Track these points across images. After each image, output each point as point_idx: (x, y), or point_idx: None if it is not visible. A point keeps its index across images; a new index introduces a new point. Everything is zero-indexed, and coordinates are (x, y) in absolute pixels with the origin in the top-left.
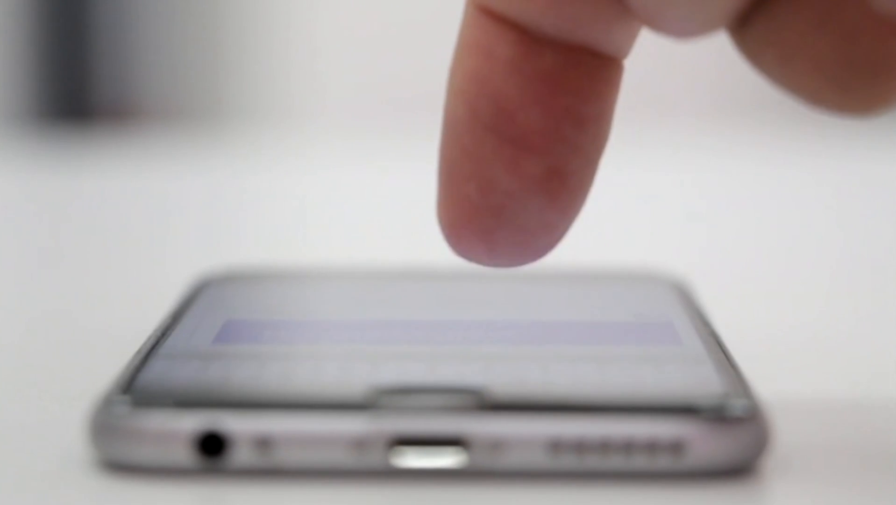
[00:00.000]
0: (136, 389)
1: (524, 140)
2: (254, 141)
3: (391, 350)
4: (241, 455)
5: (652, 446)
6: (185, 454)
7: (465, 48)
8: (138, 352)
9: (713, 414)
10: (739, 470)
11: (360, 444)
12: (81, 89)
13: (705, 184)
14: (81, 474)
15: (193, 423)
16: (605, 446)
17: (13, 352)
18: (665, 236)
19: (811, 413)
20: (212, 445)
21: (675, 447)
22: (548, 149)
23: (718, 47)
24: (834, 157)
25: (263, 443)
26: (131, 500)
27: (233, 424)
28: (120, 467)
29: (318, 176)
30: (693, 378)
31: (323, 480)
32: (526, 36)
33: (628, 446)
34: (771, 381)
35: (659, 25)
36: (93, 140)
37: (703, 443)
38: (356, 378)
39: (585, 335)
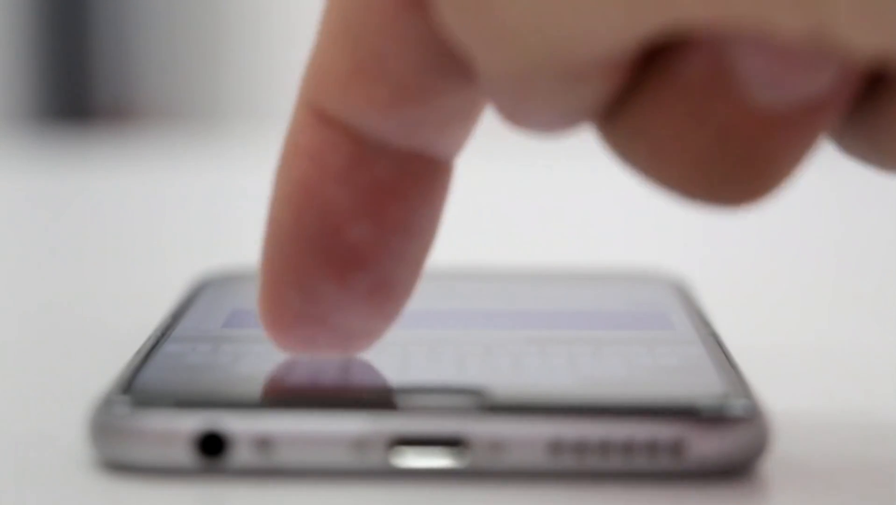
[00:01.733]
0: (136, 389)
1: (351, 255)
2: (253, 141)
3: (390, 345)
4: (241, 455)
5: (652, 447)
6: (185, 454)
7: (294, 152)
8: (138, 352)
9: (713, 414)
10: (739, 470)
11: (360, 444)
12: (81, 89)
13: None
14: (81, 474)
15: (193, 423)
16: (605, 447)
17: (13, 351)
18: (665, 236)
19: (811, 413)
20: (212, 445)
21: (675, 447)
22: (375, 262)
23: None
24: (834, 157)
25: (263, 443)
26: (131, 500)
27: (233, 424)
28: (120, 467)
29: None
30: (693, 378)
31: (323, 480)
32: (359, 144)
33: (628, 447)
34: (771, 381)
35: (517, 121)
36: (93, 140)
37: (703, 443)
38: (356, 378)
39: (585, 334)
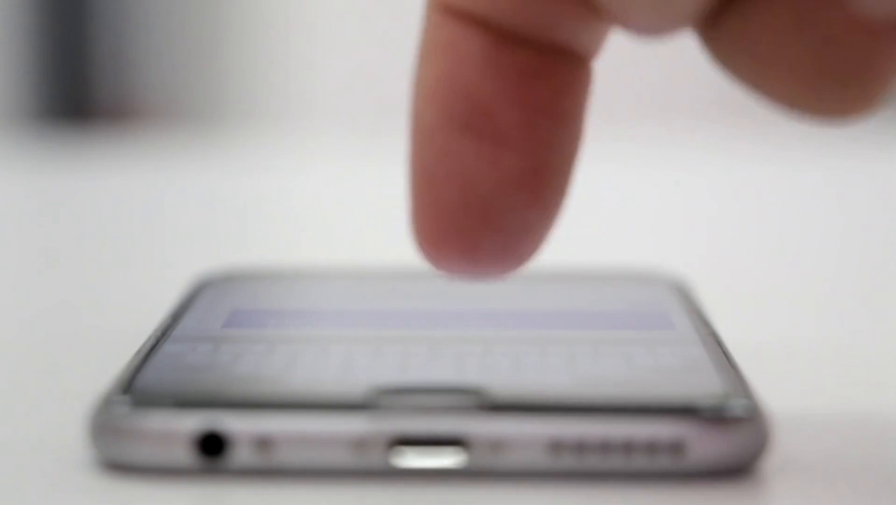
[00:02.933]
0: (136, 389)
1: (502, 137)
2: (253, 141)
3: (391, 344)
4: (241, 455)
5: (652, 446)
6: (185, 454)
7: (432, 50)
8: (138, 352)
9: (713, 414)
10: (739, 470)
11: (360, 444)
12: (81, 89)
13: (705, 184)
14: (81, 474)
15: (193, 423)
16: (605, 446)
17: (13, 352)
18: (665, 236)
19: (811, 413)
20: (212, 445)
21: (675, 447)
22: (527, 146)
23: None
24: (835, 157)
25: (263, 443)
26: (131, 500)
27: (233, 424)
28: (120, 467)
29: (318, 176)
30: (693, 378)
31: (323, 480)
32: (495, 34)
33: (628, 446)
34: (771, 381)
35: (624, 23)
36: (93, 140)
37: (703, 443)
38: (356, 378)
39: (585, 334)
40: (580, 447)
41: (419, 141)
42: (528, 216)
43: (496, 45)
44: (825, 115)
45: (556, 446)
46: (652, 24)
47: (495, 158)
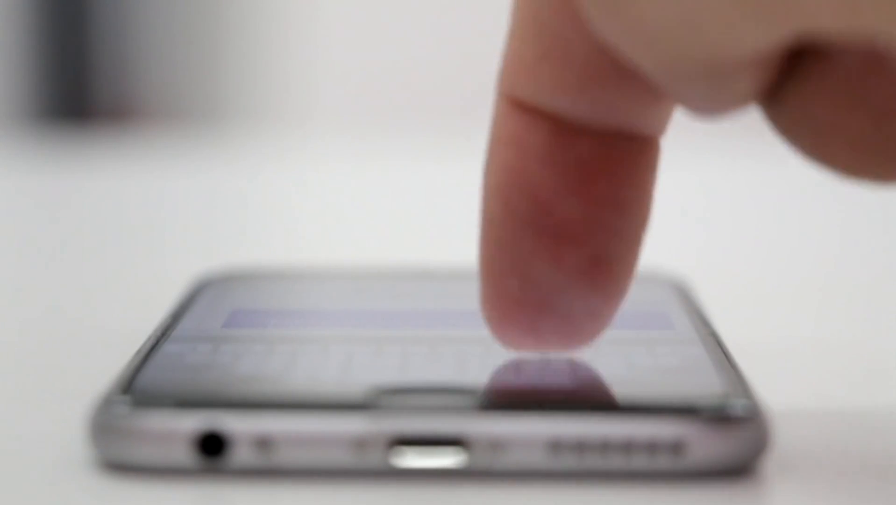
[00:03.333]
0: (136, 389)
1: (564, 232)
2: (253, 141)
3: (391, 344)
4: (241, 455)
5: (652, 446)
6: (185, 454)
7: (497, 142)
8: (138, 352)
9: (713, 414)
10: (739, 470)
11: (360, 444)
12: (81, 89)
13: (705, 184)
14: (81, 474)
15: (193, 423)
16: (605, 446)
17: (13, 351)
18: (665, 236)
19: (811, 413)
20: (212, 445)
21: (675, 447)
22: (588, 238)
23: None
24: None
25: (263, 443)
26: (131, 500)
27: (233, 424)
28: (120, 467)
29: (318, 175)
30: (693, 378)
31: (323, 480)
32: (559, 125)
33: (628, 446)
34: (771, 381)
35: (686, 105)
36: (93, 140)
37: (703, 443)
38: (356, 378)
39: None
40: (580, 447)
41: (484, 230)
42: (590, 303)
43: (559, 136)
44: (883, 183)
45: (556, 446)
46: (712, 106)
47: (557, 253)
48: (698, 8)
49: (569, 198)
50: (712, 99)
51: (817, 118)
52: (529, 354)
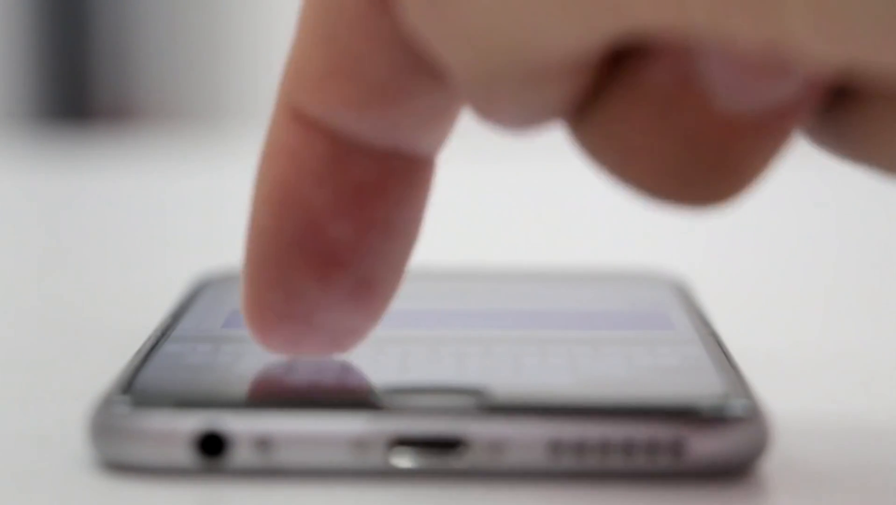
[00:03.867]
0: (136, 389)
1: (332, 253)
2: (253, 141)
3: (391, 344)
4: (241, 455)
5: (652, 447)
6: (185, 454)
7: (273, 153)
8: (138, 352)
9: (713, 414)
10: (739, 470)
11: (360, 444)
12: (81, 89)
13: None
14: (81, 474)
15: (193, 423)
16: (605, 447)
17: (13, 351)
18: (665, 236)
19: (811, 414)
20: (212, 445)
21: (675, 447)
22: (357, 261)
23: None
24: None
25: (263, 443)
26: (131, 500)
27: (233, 424)
28: (120, 467)
29: None
30: (693, 378)
31: (323, 480)
32: (337, 144)
33: (628, 447)
34: (771, 381)
35: (490, 118)
36: (93, 140)
37: (703, 443)
38: (356, 378)
39: (585, 334)
40: (580, 448)
41: (251, 239)
42: (352, 322)
43: (336, 155)
44: (688, 205)
45: (556, 447)
46: (516, 119)
47: (322, 274)
48: (518, 2)
49: (341, 219)
50: (519, 106)
51: (624, 137)
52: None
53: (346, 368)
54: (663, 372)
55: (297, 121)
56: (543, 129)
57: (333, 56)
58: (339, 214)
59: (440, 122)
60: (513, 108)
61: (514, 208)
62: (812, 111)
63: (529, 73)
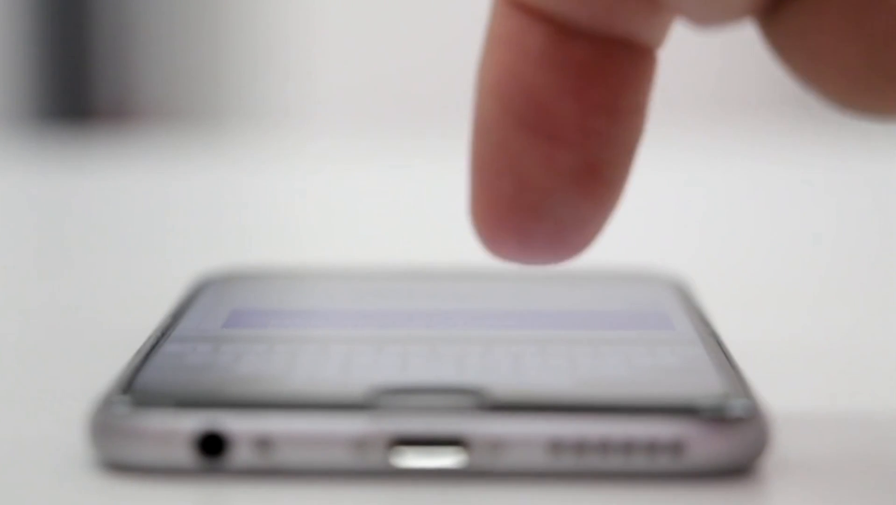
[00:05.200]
0: (136, 389)
1: (559, 134)
2: (253, 141)
3: (391, 344)
4: (241, 455)
5: (652, 446)
6: (185, 454)
7: (495, 41)
8: (138, 352)
9: (713, 414)
10: (739, 470)
11: (360, 444)
12: (81, 89)
13: (705, 184)
14: (81, 474)
15: (193, 423)
16: (604, 446)
17: (13, 351)
18: (665, 236)
19: (811, 413)
20: (212, 445)
21: (675, 447)
22: (583, 142)
23: (719, 46)
24: (835, 157)
25: (263, 443)
26: (131, 500)
27: (233, 424)
28: (120, 467)
29: (318, 176)
30: (693, 378)
31: (323, 480)
32: (558, 28)
33: (628, 446)
34: (771, 381)
35: (683, 12)
36: (93, 140)
37: (703, 443)
38: (356, 378)
39: (585, 334)
40: (580, 447)
41: (477, 130)
42: (582, 210)
43: (557, 38)
44: (877, 114)
45: (556, 446)
46: (710, 15)
47: (550, 155)
48: None
49: (565, 101)
50: (709, 7)
51: (813, 42)
52: (522, 266)
53: (347, 368)
54: (663, 372)
55: (516, 7)
56: (738, 24)
57: None
58: (563, 95)
59: (656, 15)
60: (699, 7)
61: None
62: None
63: None
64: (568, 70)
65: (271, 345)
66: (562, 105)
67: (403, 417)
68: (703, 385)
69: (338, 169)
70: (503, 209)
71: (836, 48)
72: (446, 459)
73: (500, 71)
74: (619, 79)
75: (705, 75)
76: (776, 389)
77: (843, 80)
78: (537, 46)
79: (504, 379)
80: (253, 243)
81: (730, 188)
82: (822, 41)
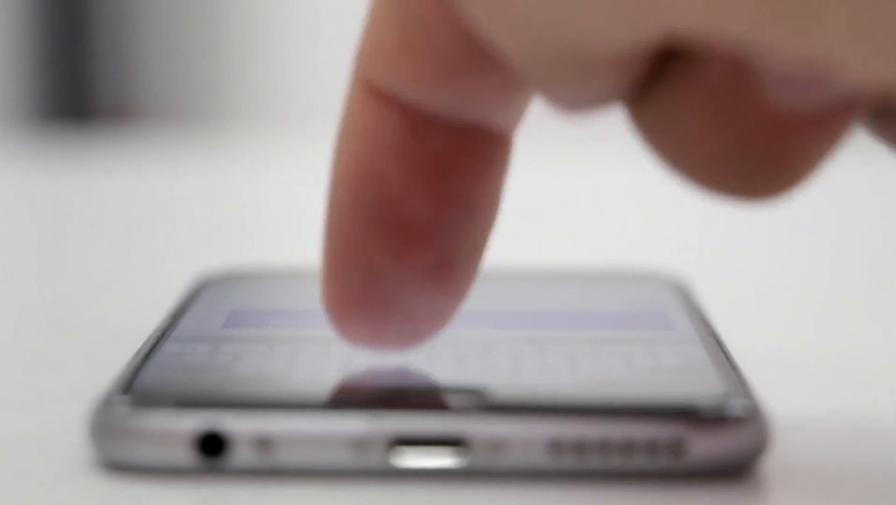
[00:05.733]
0: (136, 389)
1: (411, 230)
2: (253, 141)
3: None
4: (241, 455)
5: (652, 446)
6: (185, 454)
7: (349, 129)
8: (138, 352)
9: (713, 414)
10: (739, 470)
11: (360, 444)
12: (81, 89)
13: None
14: (81, 474)
15: (193, 423)
16: (604, 446)
17: (13, 351)
18: (665, 236)
19: (811, 414)
20: (212, 445)
21: (675, 447)
22: (436, 238)
23: None
24: (835, 156)
25: (263, 443)
26: (131, 500)
27: (233, 424)
28: (120, 467)
29: (318, 176)
30: (693, 378)
31: (323, 480)
32: (413, 117)
33: (628, 446)
34: (771, 381)
35: (549, 99)
36: (93, 140)
37: (703, 443)
38: (356, 378)
39: (585, 334)
40: (580, 447)
41: (330, 221)
42: (433, 304)
43: (412, 129)
44: (742, 198)
45: (556, 446)
46: (575, 101)
47: (402, 252)
48: (564, 1)
49: (419, 195)
50: (575, 93)
51: (679, 127)
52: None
53: (347, 368)
54: (663, 372)
55: (373, 95)
56: (603, 111)
57: (405, 30)
58: (417, 190)
59: (514, 99)
60: (569, 93)
61: (514, 208)
62: (869, 108)
63: (580, 65)
64: (424, 163)
65: (271, 345)
66: (416, 200)
67: (403, 417)
68: (703, 385)
69: None
70: (353, 300)
71: (702, 133)
72: (446, 459)
73: (353, 162)
74: (475, 169)
75: None
76: (776, 390)
77: (711, 163)
78: (393, 138)
79: (504, 379)
80: (253, 243)
81: None
82: (689, 124)
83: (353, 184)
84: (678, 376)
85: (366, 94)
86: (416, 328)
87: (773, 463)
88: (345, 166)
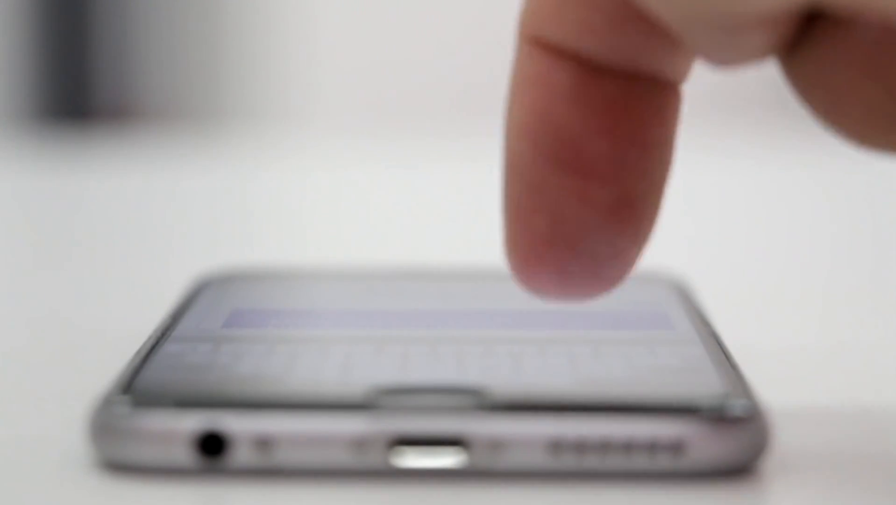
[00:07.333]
0: (136, 389)
1: (591, 170)
2: (254, 141)
3: (391, 344)
4: (241, 455)
5: (652, 446)
6: (185, 454)
7: (522, 82)
8: (138, 352)
9: (713, 414)
10: (739, 470)
11: (360, 444)
12: (81, 89)
13: (706, 184)
14: (82, 474)
15: (193, 423)
16: (605, 446)
17: (14, 352)
18: (665, 236)
19: (811, 413)
20: (212, 445)
21: (675, 447)
22: (616, 177)
23: None
24: (835, 157)
25: (263, 443)
26: (131, 500)
27: (233, 424)
28: (120, 467)
29: (318, 176)
30: (693, 378)
31: (323, 480)
32: (584, 66)
33: (628, 446)
34: (771, 381)
35: (703, 55)
36: (93, 140)
37: (703, 443)
38: (356, 378)
39: (585, 334)
40: (580, 447)
41: (509, 171)
42: (617, 243)
43: (584, 76)
44: (893, 152)
45: (556, 446)
46: (730, 57)
47: (584, 191)
48: None
49: (596, 136)
50: (728, 51)
51: (832, 82)
52: (550, 301)
53: (347, 368)
54: (663, 372)
55: (542, 48)
56: (757, 65)
57: None
58: (594, 131)
59: (677, 51)
60: (721, 53)
61: None
62: None
63: (726, 26)
64: (597, 107)
65: (271, 345)
66: (593, 142)
67: (403, 417)
68: (703, 385)
69: (338, 169)
70: (539, 246)
71: (856, 86)
72: (446, 459)
73: (529, 112)
74: (647, 113)
75: (706, 74)
76: (776, 389)
77: (863, 118)
78: (565, 85)
79: (504, 379)
80: (253, 243)
81: (730, 188)
82: (842, 79)
83: (531, 131)
84: (678, 376)
85: (533, 49)
86: (601, 272)
87: (774, 463)
88: (521, 117)
